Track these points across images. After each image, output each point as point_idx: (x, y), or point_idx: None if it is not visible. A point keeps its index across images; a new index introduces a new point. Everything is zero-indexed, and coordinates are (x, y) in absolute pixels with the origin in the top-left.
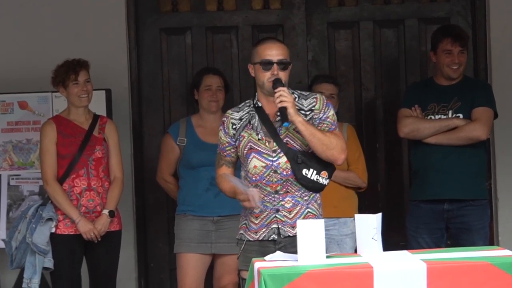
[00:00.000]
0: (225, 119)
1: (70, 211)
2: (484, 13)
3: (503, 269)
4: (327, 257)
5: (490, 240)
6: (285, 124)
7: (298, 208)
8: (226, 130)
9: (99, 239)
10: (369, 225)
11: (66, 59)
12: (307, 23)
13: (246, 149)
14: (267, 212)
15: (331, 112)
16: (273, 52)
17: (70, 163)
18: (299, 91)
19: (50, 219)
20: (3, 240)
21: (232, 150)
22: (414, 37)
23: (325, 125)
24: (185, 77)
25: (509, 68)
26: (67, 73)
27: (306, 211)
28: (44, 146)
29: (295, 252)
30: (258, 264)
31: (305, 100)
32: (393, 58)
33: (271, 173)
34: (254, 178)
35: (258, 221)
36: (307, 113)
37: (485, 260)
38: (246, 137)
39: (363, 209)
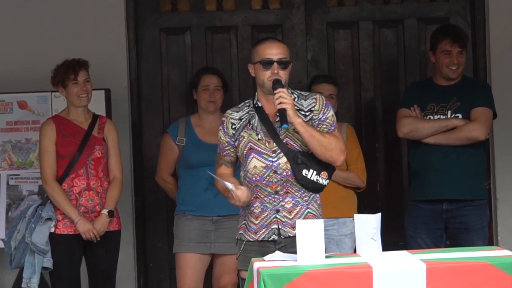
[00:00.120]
0: (224, 119)
1: (69, 211)
2: (483, 13)
3: (502, 269)
4: (327, 257)
5: (489, 240)
6: (284, 126)
7: (298, 209)
8: (226, 130)
9: (98, 239)
10: (368, 225)
11: (66, 59)
12: (306, 23)
13: (246, 149)
14: (267, 213)
15: (331, 113)
16: (273, 51)
17: (70, 163)
18: (298, 91)
19: (49, 219)
20: (2, 239)
21: (232, 150)
22: (413, 37)
23: (325, 126)
24: (184, 77)
25: (508, 68)
26: (66, 72)
27: (306, 211)
28: (44, 146)
29: (295, 252)
30: (257, 264)
31: (305, 100)
32: (393, 58)
33: (271, 174)
34: (254, 179)
35: (258, 221)
36: (307, 113)
37: (485, 260)
38: (246, 137)
39: (362, 209)
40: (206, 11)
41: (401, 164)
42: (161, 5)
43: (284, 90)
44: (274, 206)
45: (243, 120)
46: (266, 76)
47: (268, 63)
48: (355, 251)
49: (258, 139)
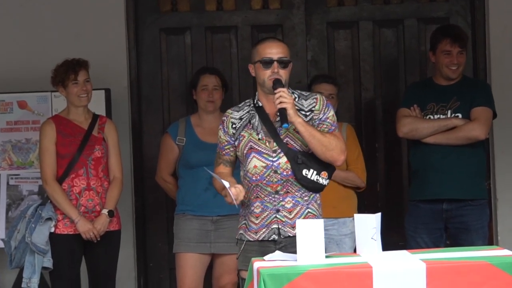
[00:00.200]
0: (225, 118)
1: (70, 211)
2: (483, 13)
3: (503, 269)
4: (326, 257)
5: (489, 240)
6: (285, 125)
7: (298, 208)
8: (226, 129)
9: (98, 239)
10: (368, 225)
11: (66, 59)
12: (306, 23)
13: (246, 149)
14: (267, 212)
15: (331, 112)
16: (273, 50)
17: (70, 162)
18: (299, 91)
19: (49, 219)
20: (2, 239)
21: (231, 149)
22: (413, 37)
23: (325, 126)
24: (184, 77)
25: (508, 68)
26: (66, 72)
27: (306, 211)
28: (44, 146)
29: (295, 252)
30: (257, 263)
31: (305, 100)
32: (393, 58)
33: (271, 173)
34: (254, 178)
35: (258, 221)
36: (307, 113)
37: (485, 260)
38: (246, 137)
39: (362, 209)
40: (206, 11)
41: (401, 164)
42: (161, 5)
43: (284, 89)
44: (274, 206)
45: (243, 120)
46: (266, 75)
47: (268, 62)
48: (355, 251)
49: (259, 139)
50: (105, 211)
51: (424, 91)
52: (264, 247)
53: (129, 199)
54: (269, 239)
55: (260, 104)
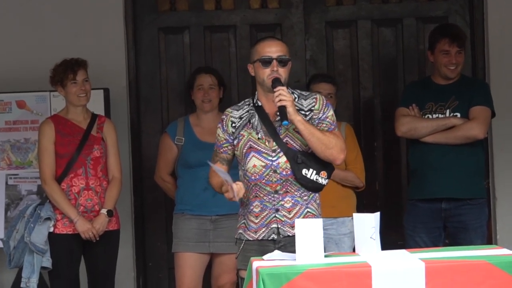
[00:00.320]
0: (224, 117)
1: (68, 211)
2: (482, 12)
3: (501, 268)
4: (326, 256)
5: (488, 239)
6: (285, 122)
7: (297, 208)
8: (225, 128)
9: (97, 239)
10: (367, 224)
11: (65, 59)
12: (305, 22)
13: (245, 148)
14: (266, 212)
15: (331, 112)
16: (272, 49)
17: (68, 162)
18: (298, 91)
19: (48, 219)
20: (1, 239)
21: (229, 148)
22: (412, 36)
23: (324, 125)
24: (183, 76)
25: (507, 67)
26: (65, 72)
27: (306, 211)
28: (42, 146)
29: (294, 251)
30: (256, 263)
31: (305, 100)
32: (391, 57)
33: (270, 173)
34: (253, 177)
35: (258, 220)
36: (307, 113)
37: (483, 259)
38: (245, 136)
39: (361, 208)
40: (205, 10)
41: (400, 163)
42: (159, 4)
43: (284, 88)
44: (274, 205)
45: (243, 119)
46: (265, 74)
47: (267, 61)
48: (354, 250)
49: (258, 138)
50: (104, 211)
51: (422, 90)
52: (263, 247)
53: (128, 198)
54: (269, 239)
55: (260, 104)
